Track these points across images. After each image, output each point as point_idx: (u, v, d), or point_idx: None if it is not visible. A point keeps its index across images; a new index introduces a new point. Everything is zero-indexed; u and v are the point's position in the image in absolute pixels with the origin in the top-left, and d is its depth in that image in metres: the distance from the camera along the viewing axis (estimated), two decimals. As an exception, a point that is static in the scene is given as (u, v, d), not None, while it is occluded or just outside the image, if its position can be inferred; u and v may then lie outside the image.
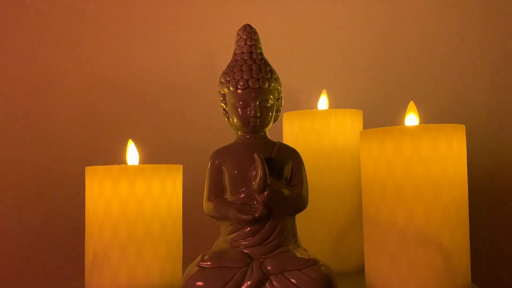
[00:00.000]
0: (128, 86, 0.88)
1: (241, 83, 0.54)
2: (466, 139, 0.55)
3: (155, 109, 0.87)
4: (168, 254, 0.59)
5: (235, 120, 0.55)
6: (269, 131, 0.57)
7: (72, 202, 0.82)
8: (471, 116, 0.84)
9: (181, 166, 0.62)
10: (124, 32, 0.88)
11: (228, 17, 0.87)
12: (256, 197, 0.53)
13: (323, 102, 0.72)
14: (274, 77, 0.56)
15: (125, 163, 0.63)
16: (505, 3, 0.86)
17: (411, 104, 0.59)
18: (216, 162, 0.55)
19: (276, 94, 0.56)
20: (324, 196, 0.65)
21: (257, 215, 0.52)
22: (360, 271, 0.63)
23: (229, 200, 0.54)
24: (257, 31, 0.57)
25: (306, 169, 0.56)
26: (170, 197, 0.59)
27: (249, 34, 0.56)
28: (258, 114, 0.54)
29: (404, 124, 0.58)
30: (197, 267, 0.51)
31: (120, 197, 0.57)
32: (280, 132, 0.69)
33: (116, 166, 0.58)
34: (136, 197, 0.57)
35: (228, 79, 0.55)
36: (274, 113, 0.56)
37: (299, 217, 0.56)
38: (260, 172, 0.51)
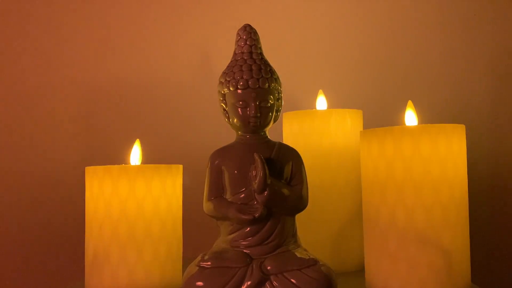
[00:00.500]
0: (128, 87, 0.88)
1: (241, 83, 0.54)
2: (466, 139, 0.55)
3: (155, 109, 0.87)
4: (168, 254, 0.59)
5: (235, 120, 0.55)
6: (269, 131, 0.57)
7: (72, 202, 0.82)
8: (471, 116, 0.84)
9: (181, 166, 0.62)
10: (123, 32, 0.88)
11: (228, 17, 0.87)
12: (256, 197, 0.53)
13: (321, 102, 0.72)
14: (274, 77, 0.56)
15: (127, 162, 0.63)
16: (505, 3, 0.86)
17: (409, 103, 0.59)
18: (216, 162, 0.55)
19: (276, 94, 0.56)
20: (324, 196, 0.65)
21: (257, 215, 0.52)
22: (360, 271, 0.63)
23: (229, 200, 0.54)
24: (257, 31, 0.57)
25: (306, 169, 0.56)
26: (170, 197, 0.59)
27: (249, 34, 0.56)
28: (258, 114, 0.54)
29: (404, 123, 0.58)
30: (197, 267, 0.51)
31: (120, 197, 0.57)
32: (280, 132, 0.69)
33: (116, 166, 0.58)
34: (136, 197, 0.57)
35: (228, 79, 0.55)
36: (274, 113, 0.56)
37: (299, 217, 0.56)
38: (260, 172, 0.51)
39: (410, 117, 0.59)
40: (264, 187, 0.52)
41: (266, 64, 0.56)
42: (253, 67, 0.55)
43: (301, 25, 0.88)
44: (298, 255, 0.52)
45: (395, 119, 0.65)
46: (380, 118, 0.76)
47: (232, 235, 0.54)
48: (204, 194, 0.56)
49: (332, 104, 0.73)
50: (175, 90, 0.87)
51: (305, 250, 0.54)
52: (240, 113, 0.55)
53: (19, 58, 0.88)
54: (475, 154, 0.77)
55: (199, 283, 0.50)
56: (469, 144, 0.56)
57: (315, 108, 0.72)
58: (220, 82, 0.56)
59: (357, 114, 0.68)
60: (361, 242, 0.59)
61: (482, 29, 0.86)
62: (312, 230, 0.65)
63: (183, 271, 0.54)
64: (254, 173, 0.53)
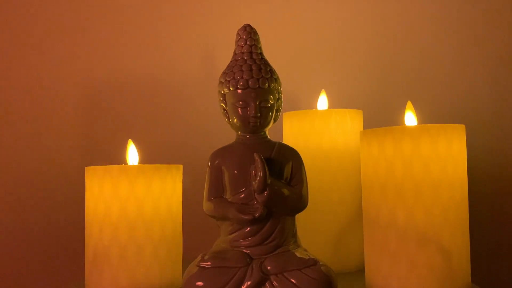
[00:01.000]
0: (128, 86, 0.88)
1: (241, 83, 0.54)
2: (466, 139, 0.55)
3: (155, 109, 0.87)
4: (168, 254, 0.59)
5: (235, 120, 0.55)
6: (269, 131, 0.57)
7: (72, 202, 0.82)
8: (471, 116, 0.84)
9: (181, 166, 0.62)
10: (123, 32, 0.88)
11: (228, 17, 0.87)
12: (256, 197, 0.53)
13: (322, 102, 0.72)
14: (274, 77, 0.56)
15: (126, 163, 0.63)
16: (505, 3, 0.86)
17: (409, 104, 0.59)
18: (216, 162, 0.55)
19: (276, 94, 0.56)
20: (324, 196, 0.65)
21: (257, 215, 0.52)
22: (360, 271, 0.63)
23: (229, 200, 0.54)
24: (257, 31, 0.57)
25: (306, 169, 0.56)
26: (170, 197, 0.59)
27: (249, 34, 0.56)
28: (258, 114, 0.54)
29: (404, 124, 0.58)
30: (197, 267, 0.51)
31: (120, 197, 0.57)
32: (280, 132, 0.69)
33: (116, 166, 0.58)
34: (136, 197, 0.57)
35: (228, 79, 0.55)
36: (274, 113, 0.56)
37: (299, 217, 0.56)
38: (260, 172, 0.51)
39: (410, 118, 0.59)
40: (264, 187, 0.52)
41: (266, 64, 0.56)
42: (253, 67, 0.55)
43: (302, 25, 0.88)
44: (298, 255, 0.52)
45: (395, 119, 0.65)
46: (380, 118, 0.76)
47: (232, 235, 0.54)
48: (204, 194, 0.56)
49: (332, 104, 0.73)
50: (176, 90, 0.87)
51: (305, 250, 0.54)
52: (240, 113, 0.55)
53: (19, 58, 0.88)
54: (475, 154, 0.77)
55: (199, 283, 0.50)
56: (469, 144, 0.56)
57: (316, 108, 0.72)
58: (220, 82, 0.56)
59: (357, 114, 0.68)
60: (361, 242, 0.59)
61: (482, 29, 0.86)
62: (312, 230, 0.65)
63: (183, 271, 0.54)
64: (254, 173, 0.53)
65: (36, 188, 0.86)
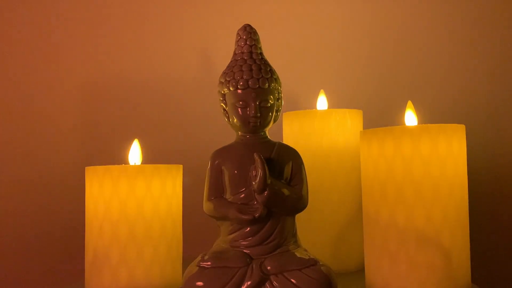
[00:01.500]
0: (128, 87, 0.88)
1: (241, 83, 0.54)
2: (466, 139, 0.55)
3: (155, 109, 0.87)
4: (168, 254, 0.59)
5: (235, 120, 0.55)
6: (269, 131, 0.57)
7: (72, 202, 0.82)
8: (471, 116, 0.84)
9: (181, 166, 0.62)
10: (123, 33, 0.88)
11: (227, 17, 0.87)
12: (256, 197, 0.53)
13: (322, 102, 0.72)
14: (274, 77, 0.56)
15: (127, 162, 0.63)
16: (504, 3, 0.86)
17: (409, 103, 0.59)
18: (216, 162, 0.55)
19: (276, 94, 0.56)
20: (324, 196, 0.65)
21: (257, 215, 0.52)
22: (360, 271, 0.63)
23: (229, 200, 0.54)
24: (257, 31, 0.57)
25: (306, 169, 0.56)
26: (170, 197, 0.59)
27: (249, 34, 0.56)
28: (258, 114, 0.54)
29: (404, 123, 0.58)
30: (197, 267, 0.51)
31: (120, 197, 0.57)
32: (280, 132, 0.69)
33: (116, 166, 0.58)
34: (136, 197, 0.57)
35: (228, 79, 0.55)
36: (274, 113, 0.56)
37: (299, 217, 0.56)
38: (260, 172, 0.51)
39: (410, 118, 0.59)
40: (264, 187, 0.52)
41: (266, 64, 0.56)
42: (253, 67, 0.55)
43: (302, 25, 0.88)
44: (298, 255, 0.52)
45: (395, 119, 0.65)
46: (380, 118, 0.76)
47: (232, 235, 0.54)
48: (204, 194, 0.56)
49: (332, 104, 0.73)
50: (176, 90, 0.87)
51: (305, 250, 0.54)
52: (240, 113, 0.55)
53: (18, 59, 0.88)
54: (475, 154, 0.77)
55: (199, 283, 0.50)
56: (469, 144, 0.56)
57: (316, 108, 0.72)
58: (220, 82, 0.56)
59: (357, 114, 0.68)
60: (361, 242, 0.59)
61: (482, 29, 0.86)
62: (312, 230, 0.65)
63: (183, 271, 0.54)
64: (254, 173, 0.53)
65: (36, 188, 0.86)
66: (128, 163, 0.63)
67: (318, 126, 0.66)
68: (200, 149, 0.74)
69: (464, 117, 0.83)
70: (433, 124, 0.53)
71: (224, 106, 0.56)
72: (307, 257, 0.51)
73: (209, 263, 0.51)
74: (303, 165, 0.56)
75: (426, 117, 0.63)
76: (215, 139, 0.65)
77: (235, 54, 0.57)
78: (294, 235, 0.55)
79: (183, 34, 0.88)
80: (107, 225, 0.57)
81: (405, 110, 0.59)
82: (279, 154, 0.55)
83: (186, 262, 0.58)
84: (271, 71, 0.56)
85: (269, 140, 0.56)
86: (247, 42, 0.56)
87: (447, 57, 0.86)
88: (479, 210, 0.82)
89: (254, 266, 0.51)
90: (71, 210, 0.83)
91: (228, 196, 0.55)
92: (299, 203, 0.55)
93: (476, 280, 0.58)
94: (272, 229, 0.53)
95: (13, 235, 0.85)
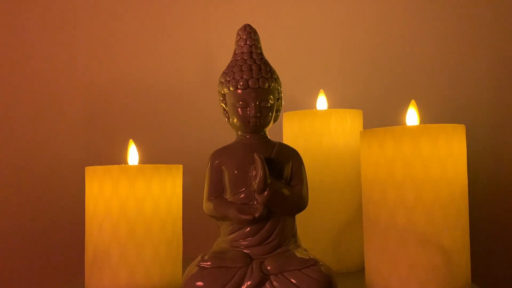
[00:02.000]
0: (128, 87, 0.88)
1: (241, 83, 0.54)
2: (466, 139, 0.55)
3: (155, 110, 0.87)
4: (168, 254, 0.59)
5: (235, 120, 0.55)
6: (269, 131, 0.57)
7: (72, 202, 0.82)
8: (471, 116, 0.84)
9: (181, 166, 0.62)
10: (125, 33, 0.88)
11: (227, 17, 0.87)
12: (256, 197, 0.53)
13: (321, 102, 0.72)
14: (274, 77, 0.56)
15: (126, 163, 0.63)
16: (505, 4, 0.86)
17: (413, 102, 0.59)
18: (216, 162, 0.55)
19: (276, 94, 0.56)
20: (324, 196, 0.65)
21: (257, 215, 0.52)
22: (360, 271, 0.63)
23: (229, 200, 0.54)
24: (257, 31, 0.57)
25: (306, 169, 0.56)
26: (170, 197, 0.59)
27: (249, 34, 0.56)
28: (258, 114, 0.54)
29: (404, 122, 0.58)
30: (197, 267, 0.51)
31: (120, 197, 0.57)
32: (280, 132, 0.69)
33: (116, 166, 0.58)
34: (136, 197, 0.57)
35: (228, 79, 0.55)
36: (274, 113, 0.56)
37: (299, 217, 0.56)
38: (260, 172, 0.51)
39: (412, 116, 0.58)
40: (264, 187, 0.52)
41: (266, 64, 0.56)
42: (253, 67, 0.55)
43: (302, 25, 0.88)
44: (298, 255, 0.52)
45: (395, 119, 0.65)
46: (380, 118, 0.76)
47: (232, 235, 0.54)
48: (204, 194, 0.56)
49: (332, 104, 0.73)
50: (176, 90, 0.87)
51: (305, 250, 0.54)
52: (240, 113, 0.54)
53: (19, 59, 0.88)
54: (475, 154, 0.77)
55: (199, 283, 0.50)
56: (469, 144, 0.56)
57: (316, 108, 0.72)
58: (220, 82, 0.56)
59: (357, 114, 0.68)
60: (361, 242, 0.59)
61: (482, 29, 0.86)
62: (312, 230, 0.65)
63: (183, 271, 0.54)
64: (254, 173, 0.53)
65: (36, 188, 0.86)
66: (128, 163, 0.63)
67: (318, 126, 0.66)
68: (200, 149, 0.74)
69: (464, 117, 0.83)
70: (433, 124, 0.53)
71: (224, 106, 0.56)
72: (307, 257, 0.51)
73: (209, 263, 0.51)
74: (303, 165, 0.56)
75: (426, 117, 0.63)
76: (215, 139, 0.65)
77: (235, 54, 0.57)
78: (294, 235, 0.55)
79: (183, 34, 0.88)
80: (107, 225, 0.57)
81: (405, 109, 0.59)
82: (279, 154, 0.55)
83: (186, 262, 0.58)
84: (271, 71, 0.56)
85: (269, 140, 0.56)
86: (247, 42, 0.56)
87: (447, 57, 0.86)
88: (479, 210, 0.82)
89: (254, 266, 0.51)
90: (71, 210, 0.83)
91: (228, 196, 0.55)
92: (299, 203, 0.55)
93: (476, 280, 0.58)
94: (272, 229, 0.53)
95: (13, 235, 0.85)
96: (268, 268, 0.50)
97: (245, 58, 0.55)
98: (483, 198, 0.83)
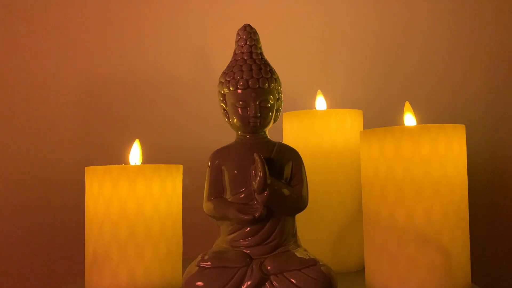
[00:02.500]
0: (128, 87, 0.88)
1: (241, 83, 0.54)
2: (466, 139, 0.55)
3: (155, 109, 0.87)
4: (168, 254, 0.59)
5: (235, 120, 0.55)
6: (269, 131, 0.57)
7: (72, 202, 0.82)
8: (471, 116, 0.84)
9: (181, 166, 0.62)
10: (124, 33, 0.88)
11: (228, 17, 0.87)
12: (256, 197, 0.53)
13: (320, 102, 0.72)
14: (274, 77, 0.56)
15: (126, 162, 0.63)
16: (505, 4, 0.86)
17: (407, 104, 0.59)
18: (216, 162, 0.55)
19: (276, 94, 0.56)
20: (324, 196, 0.65)
21: (257, 215, 0.52)
22: (360, 271, 0.63)
23: (229, 200, 0.54)
24: (257, 31, 0.57)
25: (306, 169, 0.56)
26: (170, 197, 0.59)
27: (249, 34, 0.56)
28: (258, 114, 0.54)
29: (403, 124, 0.58)
30: (197, 267, 0.51)
31: (120, 197, 0.57)
32: (280, 132, 0.69)
33: (116, 166, 0.58)
34: (136, 197, 0.57)
35: (228, 79, 0.55)
36: (274, 113, 0.56)
37: (299, 217, 0.56)
38: (260, 172, 0.51)
39: (409, 119, 0.59)
40: (264, 187, 0.52)
41: (266, 64, 0.56)
42: (253, 67, 0.55)
43: (301, 25, 0.88)
44: (298, 255, 0.52)
45: (395, 119, 0.65)
46: (380, 118, 0.76)
47: (232, 235, 0.54)
48: (204, 194, 0.56)
49: (332, 104, 0.73)
50: (176, 90, 0.87)
51: (305, 250, 0.54)
52: (240, 113, 0.55)
53: (19, 58, 0.88)
54: (475, 154, 0.77)
55: (199, 283, 0.50)
56: (469, 144, 0.56)
57: (315, 108, 0.72)
58: (220, 82, 0.56)
59: (357, 114, 0.68)
60: (361, 242, 0.59)
61: (482, 29, 0.86)
62: (312, 230, 0.65)
63: (183, 271, 0.54)
64: (254, 173, 0.53)
65: (36, 188, 0.86)
66: (128, 163, 0.63)
67: (318, 126, 0.66)
68: (200, 149, 0.74)
69: (464, 117, 0.83)
70: (433, 124, 0.53)
71: (224, 106, 0.56)
72: (307, 257, 0.51)
73: (209, 263, 0.51)
74: (303, 165, 0.56)
75: (426, 117, 0.63)
76: (215, 139, 0.65)
77: (235, 54, 0.57)
78: (294, 235, 0.55)
79: (183, 34, 0.88)
80: (107, 225, 0.57)
81: (403, 111, 0.59)
82: (279, 154, 0.55)
83: (186, 262, 0.58)
84: (271, 71, 0.56)
85: (269, 140, 0.56)
86: (247, 42, 0.56)
87: (447, 57, 0.86)
88: (479, 210, 0.82)
89: (254, 266, 0.51)
90: (71, 210, 0.83)
91: (228, 196, 0.55)
92: (299, 203, 0.55)
93: (476, 280, 0.58)
94: (272, 229, 0.53)
95: (13, 235, 0.85)
96: (268, 268, 0.50)
97: (245, 58, 0.55)
98: (483, 198, 0.83)
